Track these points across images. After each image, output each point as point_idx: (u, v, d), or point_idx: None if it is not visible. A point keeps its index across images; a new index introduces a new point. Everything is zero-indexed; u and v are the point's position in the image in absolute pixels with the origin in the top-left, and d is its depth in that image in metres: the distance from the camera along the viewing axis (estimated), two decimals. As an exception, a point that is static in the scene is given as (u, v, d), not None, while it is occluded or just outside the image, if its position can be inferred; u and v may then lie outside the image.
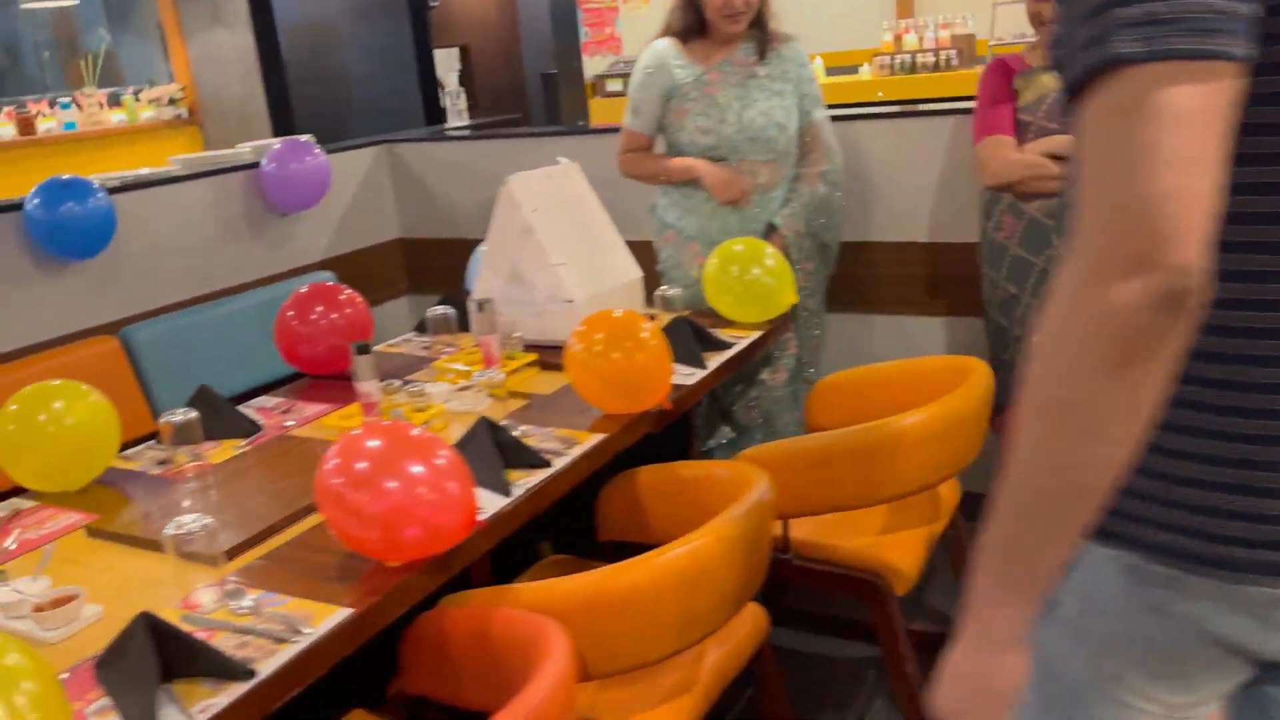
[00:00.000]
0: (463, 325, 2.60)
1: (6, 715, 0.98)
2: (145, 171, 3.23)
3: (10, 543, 1.67)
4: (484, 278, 2.45)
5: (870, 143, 2.93)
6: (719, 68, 2.67)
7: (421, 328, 2.75)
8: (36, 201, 2.58)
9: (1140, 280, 0.69)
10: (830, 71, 5.64)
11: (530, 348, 2.36)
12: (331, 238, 3.59)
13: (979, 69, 4.95)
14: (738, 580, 1.54)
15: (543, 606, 1.45)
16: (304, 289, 2.42)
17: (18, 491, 1.89)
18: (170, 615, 1.39)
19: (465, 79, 8.34)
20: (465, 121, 4.19)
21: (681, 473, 1.90)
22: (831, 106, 2.83)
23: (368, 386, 1.96)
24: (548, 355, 2.34)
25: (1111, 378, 0.72)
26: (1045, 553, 0.81)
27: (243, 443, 2.02)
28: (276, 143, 3.29)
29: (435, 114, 7.30)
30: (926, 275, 2.89)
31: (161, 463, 1.97)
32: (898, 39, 5.29)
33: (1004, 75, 2.37)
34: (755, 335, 2.43)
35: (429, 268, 3.86)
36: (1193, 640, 0.88)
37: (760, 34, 2.70)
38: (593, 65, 6.07)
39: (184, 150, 6.30)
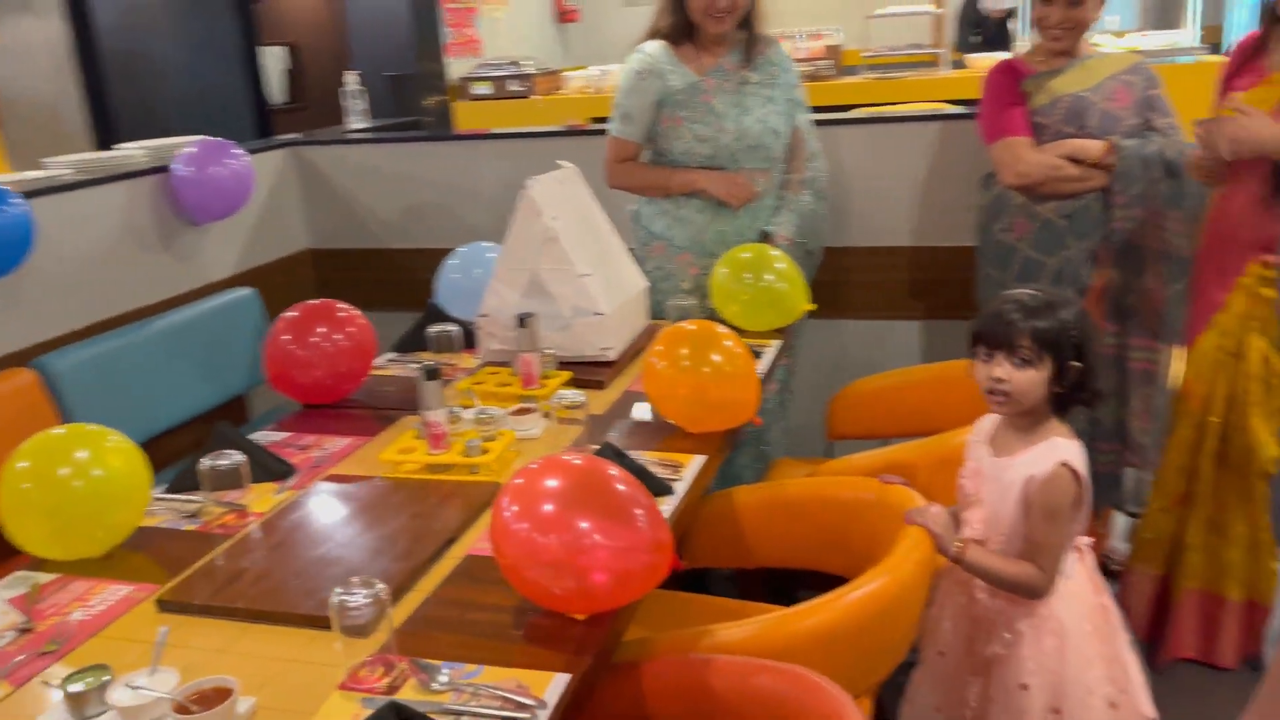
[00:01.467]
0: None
1: None
2: (34, 175, 2.78)
3: (68, 625, 1.35)
4: (496, 291, 2.25)
5: (846, 148, 2.93)
6: (712, 74, 2.59)
7: (404, 347, 2.51)
8: (-59, 210, 2.15)
9: None
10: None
11: (560, 365, 2.20)
12: (241, 250, 3.23)
13: (849, 79, 5.12)
14: (919, 606, 1.47)
15: (749, 649, 1.33)
16: (295, 310, 2.14)
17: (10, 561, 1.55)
18: (342, 703, 1.17)
19: (295, 79, 7.82)
20: (366, 124, 3.89)
21: (790, 491, 1.81)
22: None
23: (438, 415, 1.75)
24: (580, 372, 2.19)
25: None
26: None
27: (280, 487, 1.75)
28: (188, 142, 2.92)
29: (264, 114, 6.80)
30: (904, 279, 2.93)
31: (191, 515, 1.67)
32: (771, 48, 5.37)
33: (1013, 78, 2.42)
34: (776, 343, 2.36)
35: (343, 281, 3.55)
36: None
37: (747, 38, 2.64)
38: (455, 68, 5.80)
39: (-18, 153, 5.54)
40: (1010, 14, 5.25)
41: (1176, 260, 2.29)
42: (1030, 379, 1.57)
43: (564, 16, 7.08)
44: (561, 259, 2.20)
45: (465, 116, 5.67)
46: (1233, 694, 2.26)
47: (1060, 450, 1.56)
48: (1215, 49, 5.03)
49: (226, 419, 2.62)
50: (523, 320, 2.05)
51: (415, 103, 6.00)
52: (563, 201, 2.29)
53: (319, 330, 2.09)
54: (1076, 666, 1.61)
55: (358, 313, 2.17)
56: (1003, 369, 1.59)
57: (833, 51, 5.24)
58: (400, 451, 1.79)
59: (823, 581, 1.85)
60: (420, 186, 3.41)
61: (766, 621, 1.37)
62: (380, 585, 1.22)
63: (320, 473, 1.81)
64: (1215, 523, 2.22)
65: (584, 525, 1.28)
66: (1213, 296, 2.17)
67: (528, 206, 2.21)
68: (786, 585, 2.09)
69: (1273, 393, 2.09)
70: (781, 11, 7.18)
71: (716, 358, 1.84)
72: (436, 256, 3.35)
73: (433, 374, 1.74)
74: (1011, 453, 1.60)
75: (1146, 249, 2.32)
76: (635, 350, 2.35)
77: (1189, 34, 6.21)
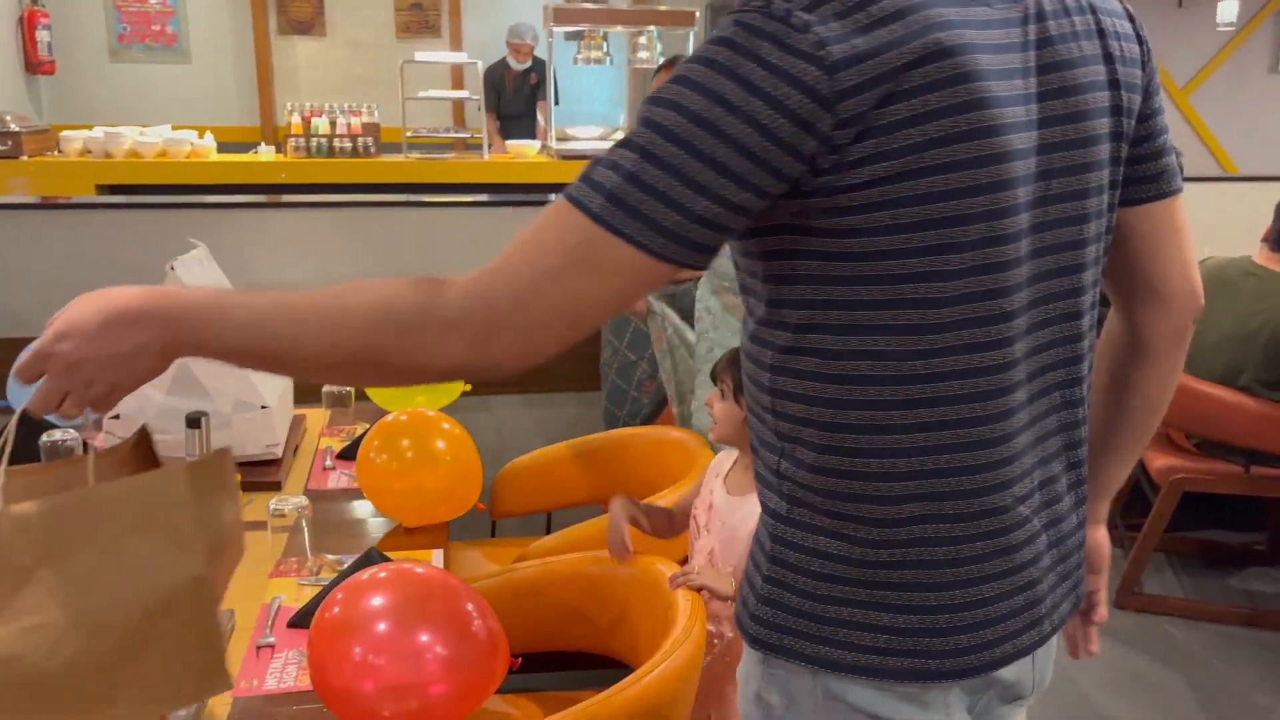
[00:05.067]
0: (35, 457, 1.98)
1: None
2: None
3: None
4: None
5: (460, 228, 2.98)
6: None
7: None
8: None
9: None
10: (223, 149, 5.31)
11: (225, 468, 1.94)
12: None
13: (394, 158, 5.16)
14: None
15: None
16: None
17: None
18: None
19: None
20: None
21: (526, 575, 1.79)
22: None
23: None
24: (246, 474, 1.96)
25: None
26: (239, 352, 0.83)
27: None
28: None
29: None
30: None
31: None
32: (307, 121, 5.20)
33: None
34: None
35: None
36: None
37: None
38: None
39: None
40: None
41: None
42: (725, 410, 1.75)
43: (37, 68, 6.19)
44: (218, 348, 1.96)
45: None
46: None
47: None
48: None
49: None
50: (194, 421, 1.79)
51: None
52: (207, 284, 2.05)
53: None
54: None
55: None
56: (713, 394, 1.78)
57: (371, 129, 5.24)
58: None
59: (559, 661, 1.86)
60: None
61: (592, 705, 1.36)
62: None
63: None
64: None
65: (424, 638, 1.19)
66: None
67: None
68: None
69: None
70: (311, 88, 6.97)
71: (440, 444, 1.79)
72: (-35, 349, 2.77)
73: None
74: (744, 493, 1.75)
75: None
76: (293, 445, 2.16)
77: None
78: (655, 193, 0.76)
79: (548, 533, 2.48)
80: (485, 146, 5.31)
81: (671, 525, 1.85)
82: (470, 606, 1.25)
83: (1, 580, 0.92)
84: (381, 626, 1.18)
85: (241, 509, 1.08)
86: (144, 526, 0.93)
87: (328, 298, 0.80)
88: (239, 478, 1.90)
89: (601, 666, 1.85)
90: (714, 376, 1.81)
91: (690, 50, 5.09)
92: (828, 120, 0.75)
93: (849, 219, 0.79)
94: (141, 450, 1.06)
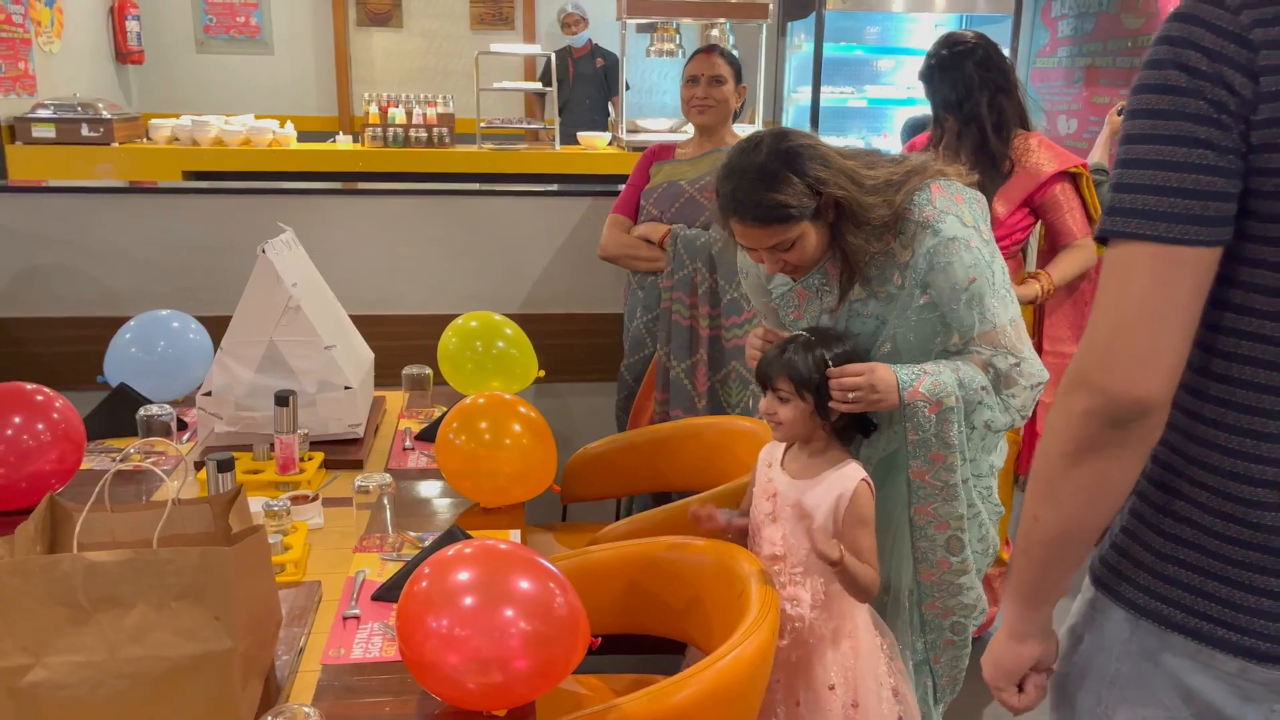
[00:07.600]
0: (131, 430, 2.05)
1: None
2: None
3: None
4: (225, 366, 2.00)
5: (530, 217, 3.01)
6: None
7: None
8: None
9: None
10: (302, 137, 5.43)
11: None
12: None
13: (469, 147, 5.23)
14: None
15: (658, 714, 1.34)
16: (-26, 394, 1.74)
17: None
18: None
19: None
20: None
21: (603, 557, 1.81)
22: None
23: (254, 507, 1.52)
24: (329, 451, 2.02)
25: (1067, 464, 0.93)
26: (1043, 582, 1.03)
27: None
28: None
29: None
30: (602, 345, 3.02)
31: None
32: (384, 111, 5.30)
33: (648, 160, 2.65)
34: (514, 412, 2.36)
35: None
36: (1174, 690, 0.97)
37: None
38: (7, 106, 4.96)
39: None
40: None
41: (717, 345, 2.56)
42: (792, 411, 1.72)
43: (126, 57, 6.38)
44: (305, 330, 2.02)
45: (20, 163, 4.89)
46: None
47: (856, 470, 1.72)
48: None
49: None
50: (283, 399, 1.85)
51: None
52: (295, 267, 2.11)
53: (13, 421, 1.72)
54: (868, 661, 1.76)
55: (57, 395, 1.81)
56: (769, 403, 1.74)
57: (446, 119, 5.32)
58: (177, 558, 1.53)
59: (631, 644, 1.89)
60: (35, 245, 2.90)
61: (665, 687, 1.38)
62: (309, 709, 1.06)
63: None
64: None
65: (509, 613, 1.21)
66: None
67: (265, 272, 2.00)
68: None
69: None
70: (387, 78, 7.09)
71: (516, 428, 1.82)
72: (60, 327, 2.89)
73: (225, 466, 1.51)
74: (810, 476, 1.73)
75: (695, 334, 2.53)
76: (374, 425, 2.22)
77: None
78: (1142, 188, 0.86)
79: (618, 519, 2.51)
80: (557, 137, 5.35)
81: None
82: (553, 585, 1.27)
83: (65, 616, 1.07)
84: (468, 601, 1.21)
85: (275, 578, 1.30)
86: (192, 595, 1.10)
87: (1043, 506, 0.97)
88: (321, 455, 1.98)
89: (670, 651, 1.88)
90: (764, 384, 1.74)
91: (763, 43, 5.09)
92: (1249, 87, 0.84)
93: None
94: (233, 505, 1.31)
